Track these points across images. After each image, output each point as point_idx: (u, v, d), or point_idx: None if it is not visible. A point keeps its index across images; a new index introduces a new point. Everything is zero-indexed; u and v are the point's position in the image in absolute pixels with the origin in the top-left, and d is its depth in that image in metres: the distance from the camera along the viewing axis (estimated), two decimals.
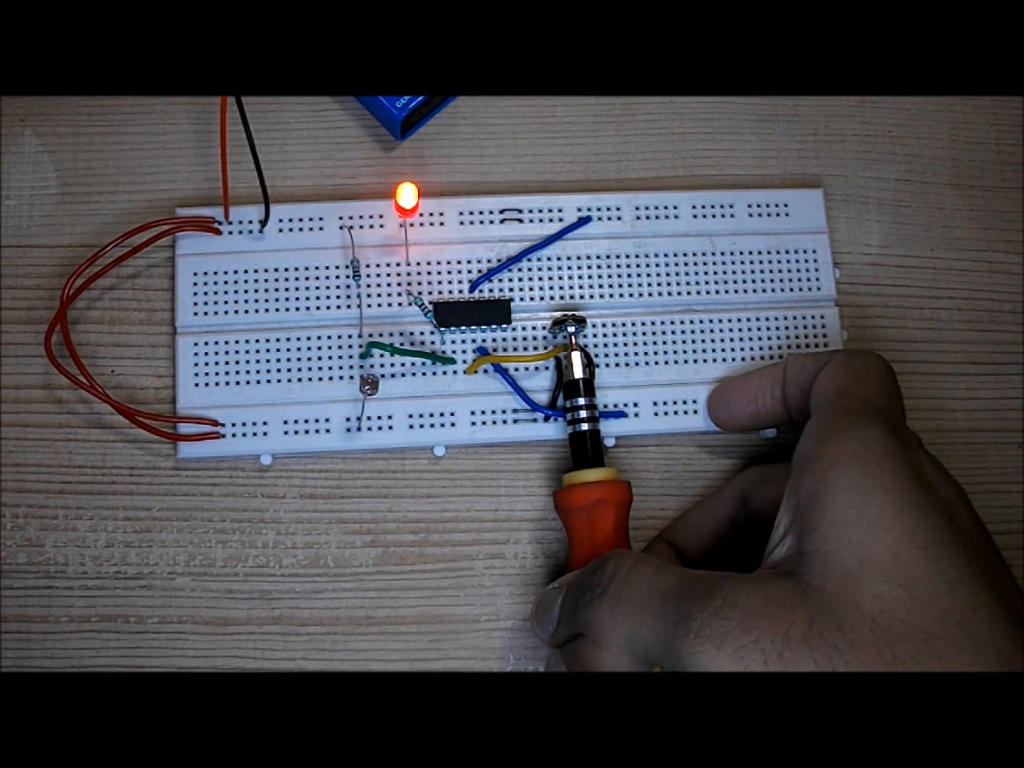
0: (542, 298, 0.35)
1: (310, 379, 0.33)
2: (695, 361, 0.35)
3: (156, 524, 0.33)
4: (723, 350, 0.35)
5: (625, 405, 0.34)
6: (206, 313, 0.34)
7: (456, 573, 0.33)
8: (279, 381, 0.33)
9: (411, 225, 0.35)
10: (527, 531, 0.34)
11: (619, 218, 0.35)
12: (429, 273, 0.34)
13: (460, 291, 0.34)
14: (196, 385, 0.33)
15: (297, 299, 0.34)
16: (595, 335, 0.34)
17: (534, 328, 0.35)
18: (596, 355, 0.34)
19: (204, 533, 0.33)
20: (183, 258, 0.34)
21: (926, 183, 0.38)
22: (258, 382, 0.33)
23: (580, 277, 0.35)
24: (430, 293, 0.34)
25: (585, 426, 0.32)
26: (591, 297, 0.35)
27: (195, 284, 0.34)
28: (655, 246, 0.35)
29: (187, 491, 0.33)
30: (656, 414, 0.34)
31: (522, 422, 0.34)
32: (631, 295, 0.35)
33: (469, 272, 0.35)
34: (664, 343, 0.35)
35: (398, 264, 0.34)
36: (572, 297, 0.35)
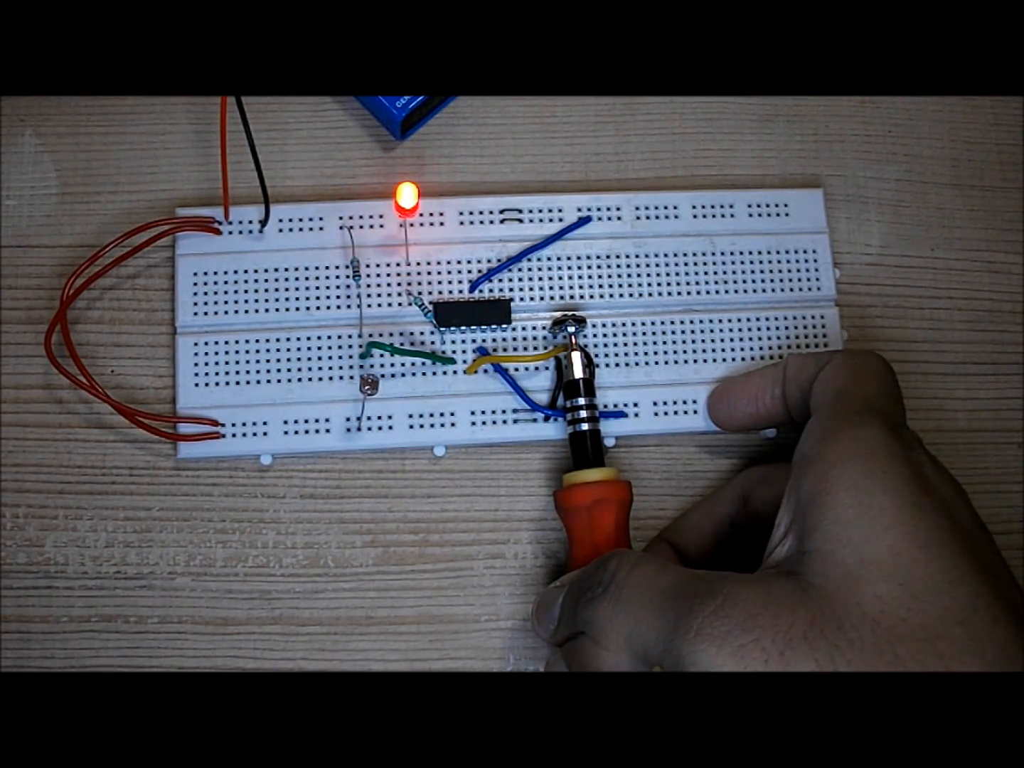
0: (542, 298, 0.35)
1: (310, 379, 0.33)
2: (695, 361, 0.35)
3: (156, 524, 0.33)
4: (723, 350, 0.35)
5: (625, 405, 0.34)
6: (206, 313, 0.34)
7: (456, 573, 0.33)
8: (279, 381, 0.33)
9: (411, 225, 0.35)
10: (527, 531, 0.34)
11: (619, 218, 0.35)
12: (429, 273, 0.34)
13: (460, 291, 0.34)
14: (196, 385, 0.33)
15: (297, 299, 0.34)
16: (595, 335, 0.34)
17: (534, 328, 0.35)
18: (596, 355, 0.34)
19: (204, 533, 0.33)
20: (183, 258, 0.34)
21: (926, 183, 0.38)
22: (258, 382, 0.33)
23: (580, 277, 0.35)
24: (430, 293, 0.34)
25: (585, 426, 0.32)
26: (591, 297, 0.35)
27: (195, 284, 0.34)
28: (655, 246, 0.35)
29: (187, 491, 0.33)
30: (656, 414, 0.34)
31: (522, 422, 0.34)
32: (631, 295, 0.35)
33: (469, 272, 0.35)
34: (664, 343, 0.35)
35: (398, 264, 0.34)
36: (572, 297, 0.35)
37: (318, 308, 0.34)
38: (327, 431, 0.33)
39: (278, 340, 0.34)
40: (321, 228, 0.34)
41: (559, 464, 0.34)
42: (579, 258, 0.35)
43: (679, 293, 0.35)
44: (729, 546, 0.32)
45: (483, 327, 0.34)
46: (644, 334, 0.35)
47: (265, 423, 0.33)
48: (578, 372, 0.32)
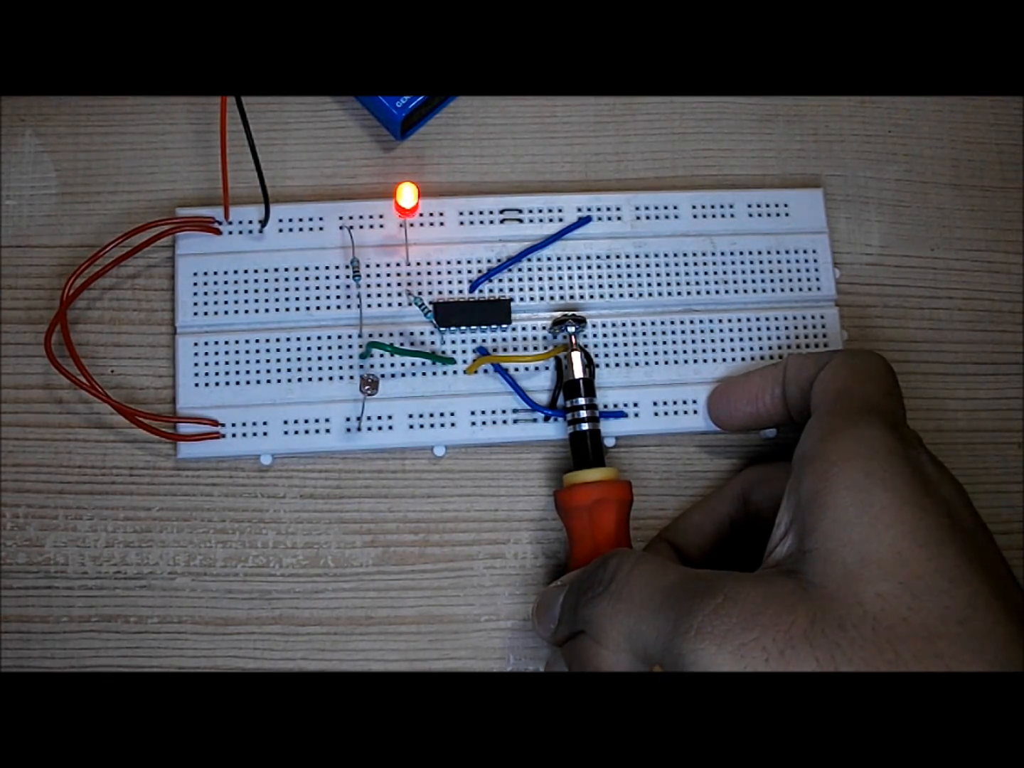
0: (542, 298, 0.35)
1: (310, 379, 0.33)
2: (695, 361, 0.35)
3: (156, 524, 0.33)
4: (723, 350, 0.35)
5: (625, 405, 0.34)
6: (206, 313, 0.34)
7: (456, 573, 0.33)
8: (279, 381, 0.33)
9: (411, 225, 0.35)
10: (527, 531, 0.34)
11: (619, 218, 0.35)
12: (429, 273, 0.34)
13: (460, 291, 0.34)
14: (196, 385, 0.33)
15: (297, 299, 0.34)
16: (595, 335, 0.34)
17: (534, 328, 0.34)
18: (596, 355, 0.34)
19: (204, 533, 0.33)
20: (183, 258, 0.34)
21: (926, 183, 0.38)
22: (258, 382, 0.33)
23: (580, 277, 0.35)
24: (430, 293, 0.34)
25: (585, 426, 0.32)
26: (591, 297, 0.35)
27: (195, 284, 0.34)
28: (655, 246, 0.35)
29: (187, 491, 0.33)
30: (656, 414, 0.34)
31: (522, 422, 0.34)
32: (631, 295, 0.35)
33: (469, 272, 0.35)
34: (664, 343, 0.35)
35: (398, 264, 0.34)
36: (572, 297, 0.35)
37: (318, 308, 0.34)
38: (327, 431, 0.33)
39: (278, 340, 0.34)
40: (321, 228, 0.34)
41: (559, 464, 0.34)
42: (579, 258, 0.35)
43: (679, 293, 0.35)
44: (729, 546, 0.32)
45: (483, 327, 0.34)
46: (644, 334, 0.35)
47: (265, 423, 0.33)
48: (578, 372, 0.32)
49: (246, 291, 0.34)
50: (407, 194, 0.33)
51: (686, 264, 0.35)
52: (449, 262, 0.35)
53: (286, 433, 0.33)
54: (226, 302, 0.34)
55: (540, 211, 0.35)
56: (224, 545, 0.33)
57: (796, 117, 0.38)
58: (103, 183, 0.35)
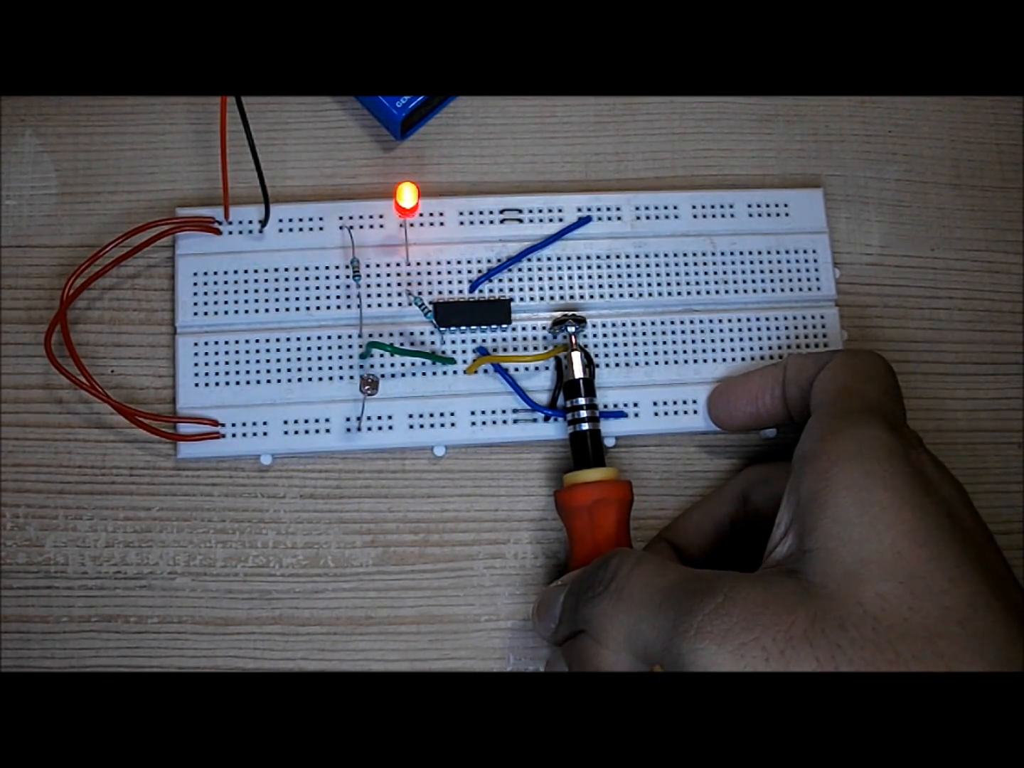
0: (542, 298, 0.35)
1: (310, 379, 0.33)
2: (695, 361, 0.35)
3: (156, 524, 0.33)
4: (723, 350, 0.35)
5: (625, 405, 0.34)
6: (206, 313, 0.34)
7: (456, 573, 0.33)
8: (279, 381, 0.33)
9: (411, 225, 0.35)
10: (527, 531, 0.34)
11: (619, 218, 0.35)
12: (429, 273, 0.34)
13: (460, 291, 0.34)
14: (196, 385, 0.33)
15: (297, 299, 0.34)
16: (595, 335, 0.34)
17: (534, 328, 0.34)
18: (596, 355, 0.34)
19: (204, 533, 0.33)
20: (183, 258, 0.34)
21: (926, 183, 0.38)
22: (258, 382, 0.33)
23: (580, 277, 0.35)
24: (430, 293, 0.34)
25: (585, 426, 0.32)
26: (591, 297, 0.35)
27: (195, 284, 0.34)
28: (655, 246, 0.35)
29: (187, 491, 0.33)
30: (656, 414, 0.34)
31: (522, 422, 0.34)
32: (631, 295, 0.35)
33: (469, 272, 0.35)
34: (664, 343, 0.35)
35: (398, 264, 0.34)
36: (572, 297, 0.35)
37: (318, 308, 0.34)
38: (327, 431, 0.33)
39: (278, 340, 0.34)
40: (321, 228, 0.34)
41: (559, 464, 0.34)
42: (579, 258, 0.35)
43: (679, 293, 0.35)
44: (729, 545, 0.32)
45: (483, 327, 0.34)
46: (644, 334, 0.35)
47: (265, 423, 0.33)
48: (578, 372, 0.32)
49: (246, 291, 0.34)
50: (407, 194, 0.33)
51: (686, 264, 0.35)
52: (449, 262, 0.35)
53: (286, 433, 0.33)
54: (226, 302, 0.34)
55: (540, 211, 0.35)
56: (224, 545, 0.33)
57: (796, 117, 0.38)
58: (103, 183, 0.35)
